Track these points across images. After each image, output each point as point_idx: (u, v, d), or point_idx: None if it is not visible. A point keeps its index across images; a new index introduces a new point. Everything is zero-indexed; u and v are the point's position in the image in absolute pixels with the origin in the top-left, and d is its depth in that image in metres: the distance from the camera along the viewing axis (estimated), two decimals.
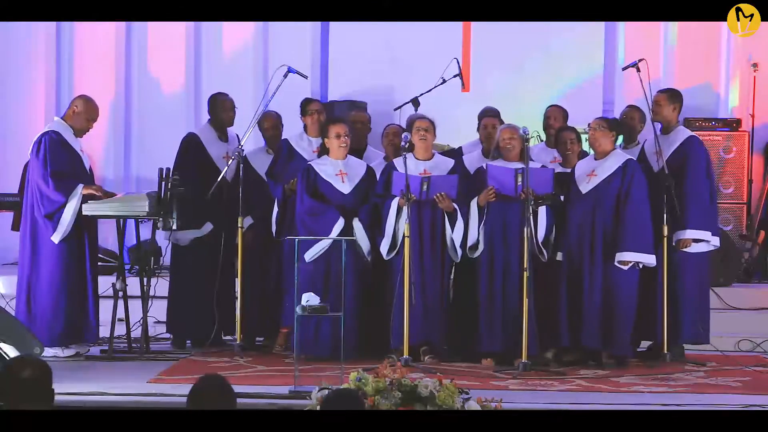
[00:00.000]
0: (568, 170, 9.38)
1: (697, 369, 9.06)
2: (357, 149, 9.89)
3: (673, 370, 8.93)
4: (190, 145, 9.95)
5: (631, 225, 9.01)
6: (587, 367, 9.03)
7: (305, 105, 9.98)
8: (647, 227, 9.05)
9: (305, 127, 9.95)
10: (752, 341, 10.03)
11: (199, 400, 4.79)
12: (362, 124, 10.18)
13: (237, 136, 10.09)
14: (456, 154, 10.08)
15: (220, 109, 10.01)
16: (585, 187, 9.16)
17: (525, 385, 8.33)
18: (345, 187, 9.39)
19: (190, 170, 9.64)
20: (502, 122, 9.79)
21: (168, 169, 9.34)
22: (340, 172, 9.41)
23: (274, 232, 9.56)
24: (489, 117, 10.08)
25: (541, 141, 10.30)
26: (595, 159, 9.26)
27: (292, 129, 10.15)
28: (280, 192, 9.59)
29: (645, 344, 9.54)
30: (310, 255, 9.14)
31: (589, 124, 9.36)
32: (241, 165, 9.50)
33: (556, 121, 10.03)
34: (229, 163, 9.60)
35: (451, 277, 9.44)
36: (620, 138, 9.66)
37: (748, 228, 11.90)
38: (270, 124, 10.04)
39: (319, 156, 9.57)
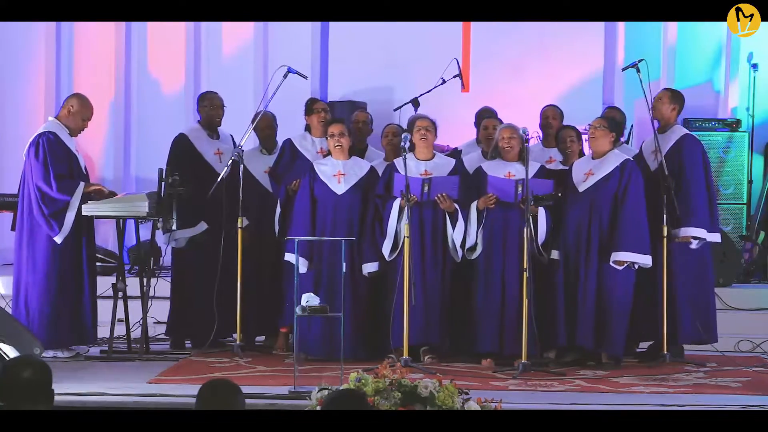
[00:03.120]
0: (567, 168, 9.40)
1: (696, 369, 9.05)
2: (357, 149, 9.88)
3: (673, 371, 8.93)
4: (181, 146, 9.94)
5: (627, 225, 9.00)
6: (587, 367, 9.03)
7: (311, 104, 9.98)
8: (643, 228, 9.02)
9: (308, 127, 9.95)
10: (752, 341, 10.03)
11: (209, 400, 4.79)
12: (363, 124, 10.18)
13: (231, 136, 10.09)
14: (456, 154, 10.07)
15: (209, 106, 10.00)
16: (582, 186, 9.15)
17: (525, 385, 8.34)
18: (339, 188, 9.39)
19: (185, 170, 9.59)
20: (501, 122, 9.78)
21: (168, 170, 9.33)
22: (338, 172, 9.42)
23: (276, 232, 9.55)
24: (489, 118, 10.06)
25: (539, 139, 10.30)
26: (593, 158, 9.25)
27: (291, 129, 10.14)
28: (282, 193, 9.59)
29: (644, 344, 9.53)
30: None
31: (590, 124, 9.36)
32: (241, 165, 9.49)
33: (554, 120, 10.04)
34: (229, 162, 9.58)
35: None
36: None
37: (748, 228, 11.89)
38: (265, 123, 10.01)
39: (324, 156, 9.61)
